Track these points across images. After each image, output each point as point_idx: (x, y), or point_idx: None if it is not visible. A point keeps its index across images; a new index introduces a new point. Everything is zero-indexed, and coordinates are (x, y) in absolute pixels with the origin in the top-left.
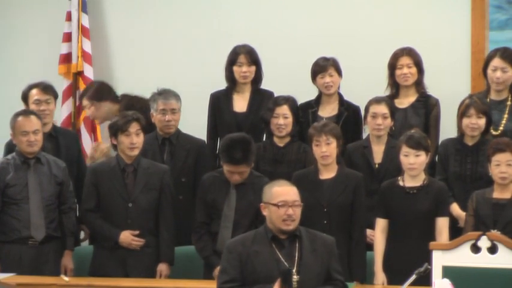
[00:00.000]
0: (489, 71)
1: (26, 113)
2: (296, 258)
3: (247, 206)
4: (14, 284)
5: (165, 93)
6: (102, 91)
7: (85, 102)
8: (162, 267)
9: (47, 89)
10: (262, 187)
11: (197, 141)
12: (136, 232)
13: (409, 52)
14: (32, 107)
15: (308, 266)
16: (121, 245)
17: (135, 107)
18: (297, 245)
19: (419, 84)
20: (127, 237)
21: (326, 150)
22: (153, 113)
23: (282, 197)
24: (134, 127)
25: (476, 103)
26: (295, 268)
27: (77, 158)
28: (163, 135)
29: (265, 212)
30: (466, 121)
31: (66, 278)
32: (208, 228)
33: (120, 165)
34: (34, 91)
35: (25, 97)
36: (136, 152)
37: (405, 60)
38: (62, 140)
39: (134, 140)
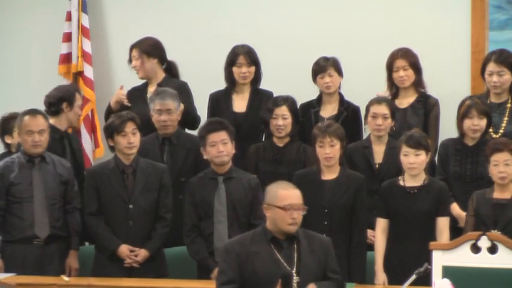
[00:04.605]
0: (486, 76)
1: (33, 112)
2: (295, 259)
3: (238, 199)
4: (14, 284)
5: (162, 94)
6: (154, 48)
7: (135, 52)
8: (141, 252)
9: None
10: (250, 181)
11: (198, 141)
12: (136, 249)
13: (403, 54)
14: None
15: (307, 267)
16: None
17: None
18: (295, 246)
19: (417, 84)
20: (123, 252)
21: (330, 152)
22: (152, 113)
23: (289, 200)
24: (130, 127)
25: (477, 104)
26: (294, 269)
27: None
28: (163, 135)
29: (268, 213)
30: (467, 122)
31: (66, 278)
32: (199, 231)
33: (119, 166)
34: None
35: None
36: (134, 151)
37: (400, 63)
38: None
39: (131, 139)
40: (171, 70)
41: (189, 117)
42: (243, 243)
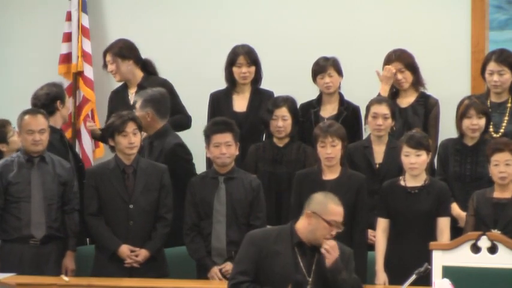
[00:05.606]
0: (486, 75)
1: (33, 111)
2: (313, 268)
3: (238, 199)
4: (14, 284)
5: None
6: (127, 50)
7: (108, 57)
8: (141, 252)
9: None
10: (251, 182)
11: (169, 144)
12: (136, 249)
13: (398, 56)
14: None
15: (322, 279)
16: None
17: None
18: (316, 255)
19: (416, 83)
20: (124, 252)
21: (331, 152)
22: None
23: (336, 217)
24: (131, 127)
25: (476, 103)
26: (311, 278)
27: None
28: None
29: (309, 220)
30: (466, 122)
31: (66, 278)
32: (199, 230)
33: (120, 166)
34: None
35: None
36: (135, 151)
37: (396, 66)
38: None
39: (132, 139)
40: (147, 68)
41: (178, 118)
42: (267, 239)
